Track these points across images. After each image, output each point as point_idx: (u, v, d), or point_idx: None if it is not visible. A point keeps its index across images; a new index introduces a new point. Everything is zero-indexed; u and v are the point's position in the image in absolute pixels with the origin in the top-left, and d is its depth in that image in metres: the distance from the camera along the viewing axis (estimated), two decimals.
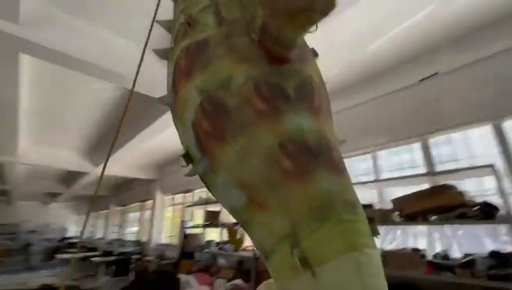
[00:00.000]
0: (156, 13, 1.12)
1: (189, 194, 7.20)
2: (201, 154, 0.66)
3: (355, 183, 3.04)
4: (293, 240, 0.51)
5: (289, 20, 0.53)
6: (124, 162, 7.67)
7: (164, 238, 7.63)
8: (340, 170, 0.58)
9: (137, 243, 8.61)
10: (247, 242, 4.58)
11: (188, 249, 5.41)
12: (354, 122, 3.72)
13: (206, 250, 4.92)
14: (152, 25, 1.08)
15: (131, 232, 10.31)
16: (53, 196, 13.65)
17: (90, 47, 2.79)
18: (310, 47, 0.85)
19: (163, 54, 0.89)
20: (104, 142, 6.21)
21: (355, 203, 0.55)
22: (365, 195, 3.41)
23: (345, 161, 0.64)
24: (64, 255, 8.08)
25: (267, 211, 0.56)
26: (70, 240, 13.03)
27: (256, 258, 3.78)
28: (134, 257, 7.10)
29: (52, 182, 11.17)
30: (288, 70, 0.64)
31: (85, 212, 16.85)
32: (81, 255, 7.98)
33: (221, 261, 4.88)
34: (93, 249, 8.67)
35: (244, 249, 4.48)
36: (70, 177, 9.75)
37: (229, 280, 4.07)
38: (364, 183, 3.14)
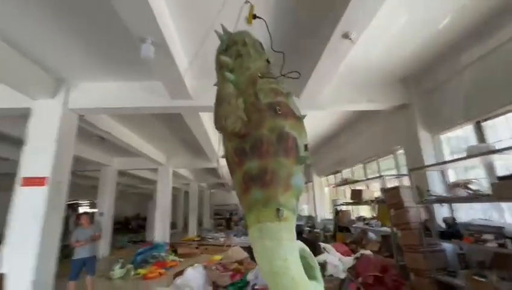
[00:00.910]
0: None
1: (338, 174, 7.85)
2: None
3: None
4: (244, 216, 1.25)
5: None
6: None
7: (327, 214, 8.75)
8: (266, 186, 1.21)
9: (309, 217, 10.33)
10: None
11: (343, 223, 6.16)
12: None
13: (355, 225, 5.48)
14: None
15: (304, 208, 12.36)
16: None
17: None
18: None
19: None
20: None
21: (268, 203, 1.14)
22: None
23: None
24: None
25: (241, 205, 1.32)
26: None
27: (395, 234, 3.94)
28: (306, 229, 8.77)
29: None
30: (247, 138, 1.31)
31: None
32: None
33: (371, 235, 5.24)
34: None
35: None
36: None
37: (376, 253, 4.45)
38: None
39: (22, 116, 3.68)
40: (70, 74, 3.67)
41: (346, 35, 2.56)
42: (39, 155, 3.43)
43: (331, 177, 8.50)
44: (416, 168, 3.67)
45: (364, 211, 6.19)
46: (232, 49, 1.66)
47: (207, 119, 5.09)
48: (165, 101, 3.82)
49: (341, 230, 6.20)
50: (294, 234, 1.23)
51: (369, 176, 5.63)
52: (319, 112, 5.25)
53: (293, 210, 1.22)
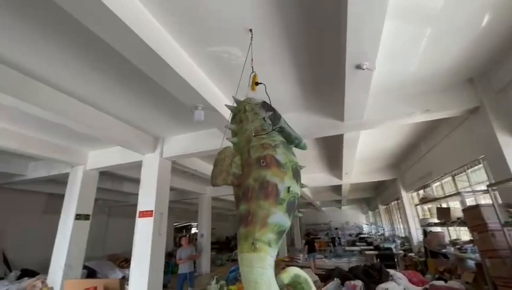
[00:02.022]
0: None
1: (428, 189, 6.85)
2: None
3: None
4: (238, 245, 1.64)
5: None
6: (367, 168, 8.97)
7: (420, 235, 7.59)
8: (247, 224, 1.59)
9: (405, 239, 9.13)
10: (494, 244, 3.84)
11: (432, 247, 5.35)
12: None
13: (445, 250, 4.70)
14: None
15: (399, 228, 10.93)
16: (338, 201, 17.81)
17: None
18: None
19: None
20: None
21: (246, 237, 1.50)
22: None
23: None
24: (353, 248, 10.63)
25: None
26: (362, 235, 16.04)
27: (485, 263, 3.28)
28: (400, 252, 7.83)
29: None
30: (240, 187, 1.75)
31: (366, 211, 19.70)
32: (364, 247, 10.05)
33: (470, 263, 4.37)
34: (371, 243, 10.46)
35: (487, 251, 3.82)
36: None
37: (472, 285, 3.75)
38: None
39: (139, 165, 5.26)
40: (162, 132, 5.03)
41: (359, 66, 2.70)
42: (147, 194, 4.79)
43: (421, 192, 7.45)
44: (499, 182, 3.09)
45: (464, 233, 5.19)
46: (237, 116, 2.18)
47: None
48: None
49: (434, 255, 5.35)
50: (269, 261, 1.54)
51: (459, 190, 4.80)
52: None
53: (268, 243, 1.55)
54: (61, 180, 6.50)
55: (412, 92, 3.84)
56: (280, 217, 1.60)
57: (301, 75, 3.37)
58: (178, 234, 15.97)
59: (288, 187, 1.70)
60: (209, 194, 10.52)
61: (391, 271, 3.73)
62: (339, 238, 17.01)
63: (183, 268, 6.01)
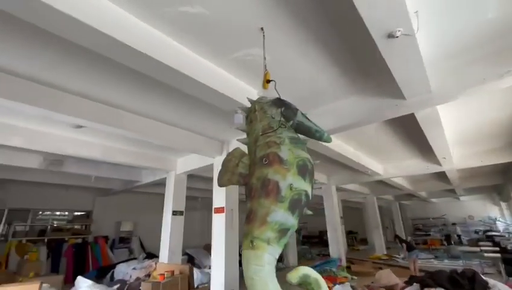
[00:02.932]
0: None
1: None
2: None
3: None
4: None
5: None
6: None
7: None
8: (249, 222, 1.62)
9: None
10: None
11: None
12: None
13: None
14: None
15: None
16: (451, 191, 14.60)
17: None
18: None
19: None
20: None
21: (247, 234, 1.54)
22: None
23: None
24: (471, 248, 8.54)
25: None
26: (491, 233, 12.62)
27: None
28: None
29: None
30: (247, 186, 1.82)
31: (497, 202, 15.33)
32: (485, 248, 7.95)
33: None
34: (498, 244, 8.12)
35: None
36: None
37: None
38: None
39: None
40: (226, 136, 5.53)
41: (391, 35, 2.27)
42: (219, 192, 5.39)
43: None
44: None
45: None
46: (249, 117, 2.27)
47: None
48: None
49: None
50: (267, 260, 1.56)
51: None
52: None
53: (267, 241, 1.57)
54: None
55: (499, 46, 2.85)
56: (281, 216, 1.60)
57: (337, 60, 3.10)
58: None
59: (291, 184, 1.67)
60: None
61: (492, 281, 2.85)
62: (458, 235, 13.93)
63: None
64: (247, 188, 1.85)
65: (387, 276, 4.35)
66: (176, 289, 3.26)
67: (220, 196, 5.34)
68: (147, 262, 6.43)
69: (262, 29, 2.58)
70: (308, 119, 2.12)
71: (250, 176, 1.86)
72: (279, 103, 2.18)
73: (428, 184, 11.77)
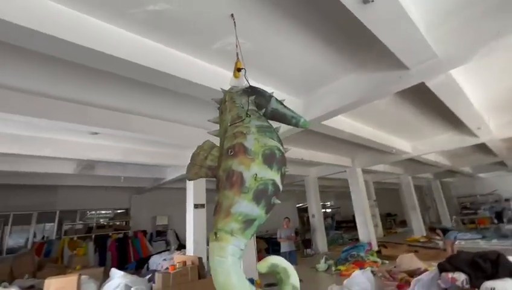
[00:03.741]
0: None
1: None
2: None
3: None
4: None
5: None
6: None
7: None
8: (215, 214, 1.60)
9: None
10: None
11: None
12: None
13: None
14: None
15: None
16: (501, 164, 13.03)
17: None
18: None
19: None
20: None
21: (214, 227, 1.56)
22: None
23: None
24: None
25: None
26: None
27: None
28: None
29: None
30: (216, 178, 1.81)
31: None
32: None
33: None
34: None
35: None
36: None
37: None
38: None
39: None
40: None
41: (366, 0, 2.04)
42: None
43: None
44: None
45: None
46: (220, 108, 2.25)
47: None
48: None
49: None
50: (230, 251, 1.55)
51: None
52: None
53: (230, 232, 1.56)
54: None
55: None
56: (245, 207, 1.55)
57: (326, 38, 2.92)
58: (303, 214, 16.74)
59: (255, 174, 1.63)
60: (314, 175, 10.47)
61: None
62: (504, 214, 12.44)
63: (284, 247, 6.46)
64: (216, 180, 1.85)
65: (408, 261, 4.08)
66: (186, 279, 3.42)
67: None
68: (175, 253, 6.84)
69: (232, 15, 2.50)
70: (284, 106, 2.03)
71: (218, 168, 1.85)
72: (250, 91, 2.11)
73: (471, 158, 10.65)
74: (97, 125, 4.18)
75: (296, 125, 1.94)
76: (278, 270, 1.70)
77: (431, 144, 7.48)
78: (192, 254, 6.22)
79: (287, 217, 7.01)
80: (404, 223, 16.01)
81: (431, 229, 7.61)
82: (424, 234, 11.26)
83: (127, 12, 2.38)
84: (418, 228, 11.82)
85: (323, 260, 7.31)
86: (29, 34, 2.10)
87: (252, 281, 4.66)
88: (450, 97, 4.10)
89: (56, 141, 5.20)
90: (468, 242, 8.92)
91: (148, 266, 7.20)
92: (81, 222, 10.12)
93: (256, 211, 1.57)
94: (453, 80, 3.60)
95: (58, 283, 4.58)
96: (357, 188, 9.05)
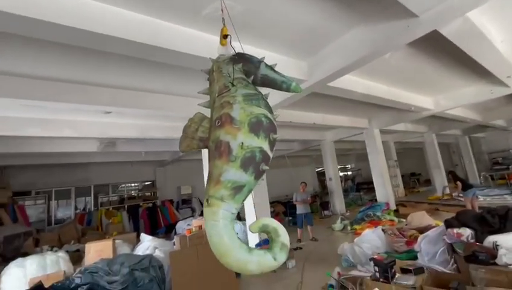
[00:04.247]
0: None
1: None
2: None
3: None
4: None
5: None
6: None
7: None
8: (207, 182, 1.70)
9: None
10: None
11: None
12: None
13: None
14: None
15: None
16: None
17: None
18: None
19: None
20: None
21: (206, 194, 1.63)
22: None
23: None
24: None
25: None
26: None
27: None
28: None
29: None
30: (208, 148, 1.88)
31: None
32: None
33: None
34: None
35: None
36: None
37: None
38: None
39: None
40: None
41: None
42: None
43: None
44: None
45: None
46: (209, 78, 2.24)
47: None
48: None
49: None
50: (222, 215, 1.66)
51: None
52: None
53: (221, 198, 1.56)
54: None
55: None
56: (233, 174, 1.59)
57: None
58: (323, 178, 16.92)
59: (242, 143, 1.66)
60: (330, 139, 10.33)
61: None
62: None
63: (300, 209, 6.69)
64: (208, 151, 1.92)
65: (419, 218, 4.08)
66: (201, 241, 3.74)
67: None
68: (198, 219, 7.39)
69: None
70: (274, 71, 1.98)
71: (208, 139, 1.91)
72: (237, 58, 2.07)
73: (504, 110, 9.80)
74: (111, 104, 4.37)
75: (288, 90, 1.90)
76: (269, 230, 1.81)
77: (455, 98, 6.95)
78: None
79: (303, 182, 7.15)
80: (428, 182, 15.65)
81: (451, 174, 7.37)
82: (448, 192, 11.01)
83: None
84: (441, 186, 11.53)
85: (339, 220, 7.53)
86: (33, 24, 2.19)
87: (266, 241, 4.98)
88: (471, 44, 3.70)
89: (75, 122, 5.54)
90: (494, 198, 8.62)
91: (175, 231, 7.89)
92: (114, 195, 11.10)
93: (245, 177, 1.63)
94: (473, 24, 3.21)
95: (97, 246, 5.20)
96: (374, 150, 8.85)
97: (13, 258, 5.05)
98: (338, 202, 9.92)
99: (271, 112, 1.82)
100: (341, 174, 19.20)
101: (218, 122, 1.78)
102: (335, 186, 10.01)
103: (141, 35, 2.70)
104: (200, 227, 3.98)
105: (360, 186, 16.38)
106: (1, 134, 4.83)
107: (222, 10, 2.41)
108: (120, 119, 5.95)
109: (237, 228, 6.62)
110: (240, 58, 2.07)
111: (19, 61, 3.25)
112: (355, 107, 7.31)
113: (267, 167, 1.74)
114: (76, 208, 10.33)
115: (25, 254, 5.63)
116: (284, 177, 12.60)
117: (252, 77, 1.96)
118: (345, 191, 16.32)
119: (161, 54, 2.97)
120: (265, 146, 1.68)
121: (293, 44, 3.71)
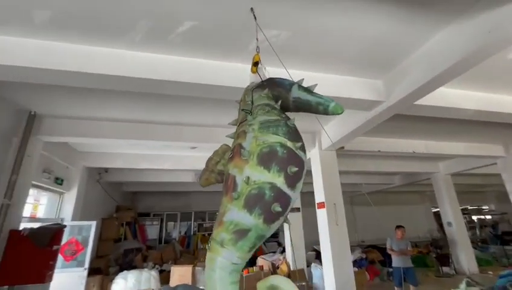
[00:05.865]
0: None
1: None
2: None
3: None
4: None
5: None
6: None
7: None
8: (217, 224, 1.50)
9: None
10: None
11: None
12: None
13: None
14: None
15: None
16: None
17: None
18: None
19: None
20: None
21: (213, 238, 1.43)
22: None
23: None
24: None
25: None
26: None
27: None
28: None
29: None
30: (223, 182, 1.69)
31: None
32: None
33: None
34: None
35: None
36: None
37: None
38: None
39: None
40: (315, 128, 5.17)
41: None
42: (318, 186, 5.08)
43: None
44: None
45: None
46: (239, 109, 2.16)
47: None
48: None
49: None
50: (219, 264, 1.34)
51: None
52: None
53: (220, 243, 1.35)
54: None
55: None
56: (235, 215, 1.34)
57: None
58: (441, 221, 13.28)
59: (247, 178, 1.45)
60: (444, 171, 8.12)
61: None
62: None
63: (396, 262, 5.30)
64: None
65: None
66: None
67: (319, 190, 5.03)
68: (277, 255, 7.00)
69: (252, 9, 2.37)
70: (309, 92, 1.70)
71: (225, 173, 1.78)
72: (266, 84, 1.94)
73: None
74: (191, 140, 4.96)
75: (326, 112, 1.58)
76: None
77: None
78: (290, 258, 6.19)
79: (400, 226, 5.73)
80: None
81: None
82: None
83: (167, 39, 2.72)
84: None
85: (463, 285, 5.46)
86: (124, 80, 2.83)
87: None
88: None
89: (173, 157, 6.56)
90: None
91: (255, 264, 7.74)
92: (210, 221, 12.18)
93: (249, 219, 1.34)
94: None
95: (180, 271, 5.66)
96: None
97: (127, 269, 6.12)
98: (464, 257, 7.34)
99: (296, 140, 1.52)
100: (474, 218, 14.57)
101: (231, 154, 1.62)
102: (457, 234, 7.53)
103: (196, 76, 2.96)
104: (262, 268, 3.68)
105: (506, 237, 11.80)
106: (120, 166, 6.26)
107: (257, 39, 2.37)
108: (207, 153, 6.64)
109: (317, 273, 5.84)
110: (268, 83, 1.91)
111: (114, 109, 4.15)
112: (477, 130, 5.57)
113: (279, 209, 1.37)
114: (180, 231, 11.88)
115: (134, 267, 6.75)
116: (385, 217, 10.58)
117: (280, 102, 1.74)
118: (483, 242, 12.12)
119: (218, 91, 3.15)
120: (280, 182, 1.36)
121: (361, 61, 3.22)
